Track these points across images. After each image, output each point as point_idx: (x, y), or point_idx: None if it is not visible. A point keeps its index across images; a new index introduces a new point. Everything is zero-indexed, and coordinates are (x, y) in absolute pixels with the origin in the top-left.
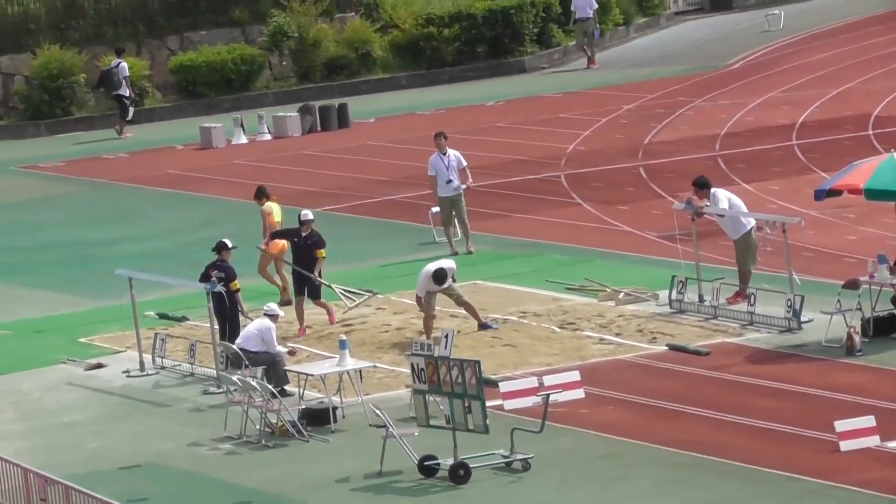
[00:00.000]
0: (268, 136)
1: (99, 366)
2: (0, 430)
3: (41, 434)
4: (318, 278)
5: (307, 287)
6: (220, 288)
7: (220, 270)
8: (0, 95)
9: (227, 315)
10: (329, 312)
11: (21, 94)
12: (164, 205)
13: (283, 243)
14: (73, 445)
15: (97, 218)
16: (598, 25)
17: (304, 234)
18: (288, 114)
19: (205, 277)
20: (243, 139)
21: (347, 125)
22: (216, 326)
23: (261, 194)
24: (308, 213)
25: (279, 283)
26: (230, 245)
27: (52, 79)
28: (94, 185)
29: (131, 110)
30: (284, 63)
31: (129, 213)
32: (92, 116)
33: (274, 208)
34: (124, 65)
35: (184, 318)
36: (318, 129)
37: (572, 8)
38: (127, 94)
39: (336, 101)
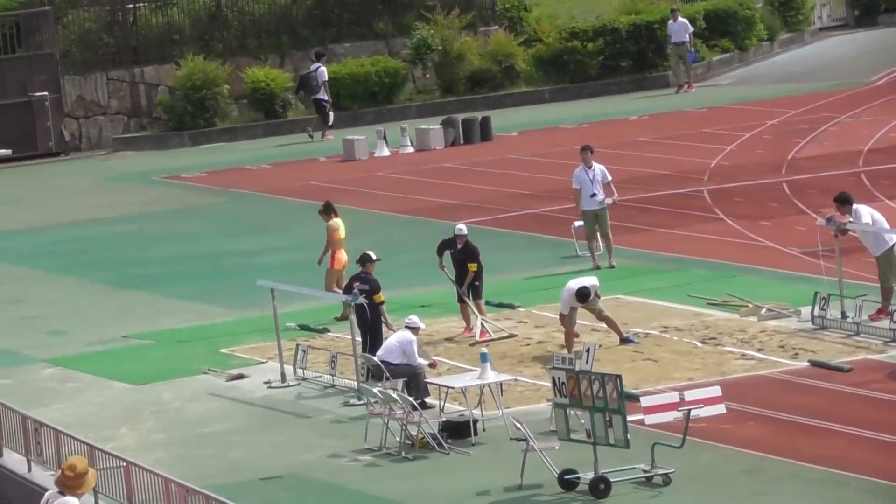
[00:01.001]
0: (410, 149)
1: (240, 376)
2: (141, 440)
3: (182, 444)
4: (462, 291)
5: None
6: (362, 300)
7: (363, 282)
8: (144, 106)
9: (369, 327)
10: (467, 325)
11: (165, 105)
12: (306, 216)
13: (345, 259)
14: (214, 456)
15: (239, 229)
16: (693, 49)
17: (458, 247)
18: (431, 126)
19: (347, 289)
20: (386, 151)
21: (490, 138)
22: (358, 338)
23: (329, 209)
24: (462, 228)
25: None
26: (374, 257)
27: (195, 90)
28: (236, 195)
29: (331, 115)
30: (428, 76)
31: (271, 224)
32: (234, 128)
33: (340, 225)
34: (323, 69)
35: (325, 330)
36: (461, 141)
37: (668, 32)
38: (326, 99)
39: (479, 115)
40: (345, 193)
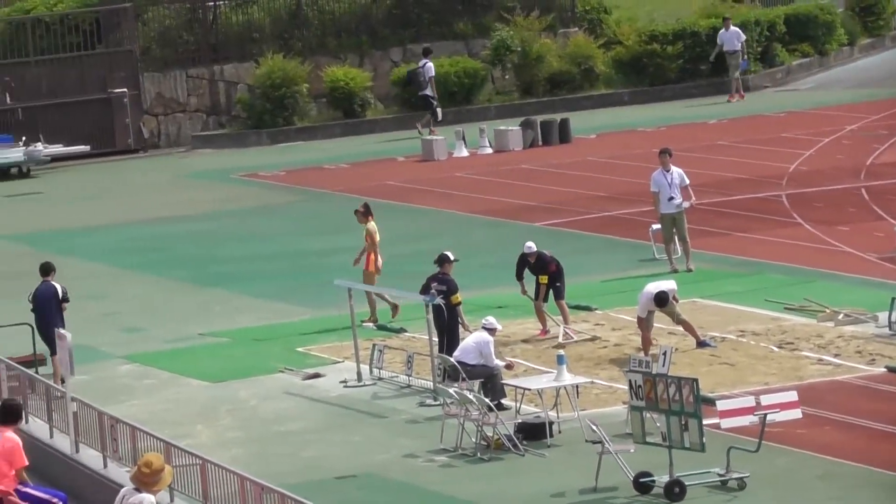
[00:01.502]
0: (489, 150)
1: (316, 375)
2: (217, 438)
3: (257, 442)
4: (538, 302)
5: (549, 291)
6: (439, 300)
7: (440, 283)
8: (223, 104)
9: (446, 327)
10: (543, 328)
11: (243, 103)
12: (383, 216)
13: (381, 263)
14: (289, 454)
15: (317, 228)
16: (745, 57)
17: (531, 262)
18: (509, 128)
19: (425, 289)
20: (465, 152)
21: (569, 140)
22: (434, 339)
23: (368, 211)
24: (531, 246)
25: (390, 300)
26: (452, 258)
27: (274, 88)
28: (314, 194)
29: (439, 111)
30: (507, 77)
31: (349, 223)
32: (313, 126)
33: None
34: (430, 65)
35: (402, 330)
36: (540, 143)
37: (719, 41)
38: (432, 95)
39: (558, 116)
40: (423, 194)
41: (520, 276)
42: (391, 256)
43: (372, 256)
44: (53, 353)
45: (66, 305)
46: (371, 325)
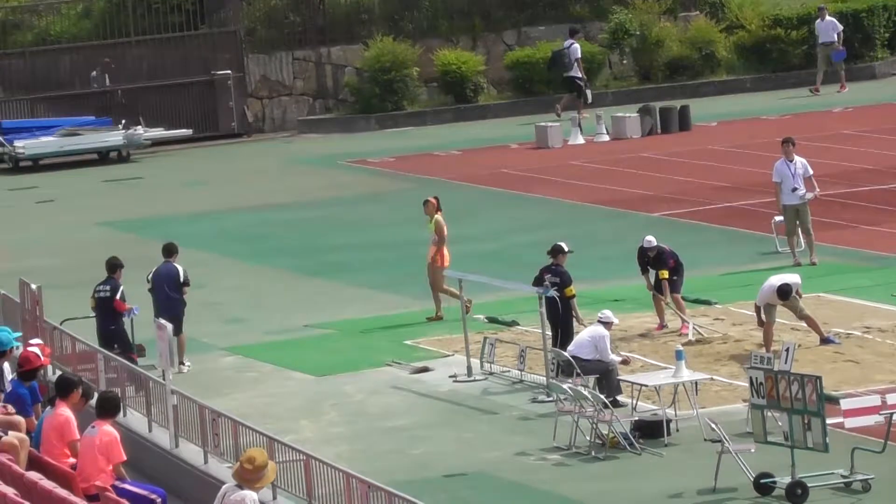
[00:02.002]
0: (606, 137)
1: (425, 369)
2: (322, 434)
3: (364, 438)
4: (665, 299)
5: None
6: (552, 292)
7: (554, 275)
8: (330, 87)
9: (560, 321)
10: (661, 322)
11: (351, 87)
12: (496, 205)
13: (448, 259)
14: (397, 451)
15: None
16: (842, 48)
17: (650, 257)
18: (627, 114)
19: (538, 281)
20: (580, 139)
21: (689, 128)
22: (548, 332)
23: (438, 205)
24: (651, 240)
25: (460, 295)
26: (567, 248)
27: (383, 71)
28: (424, 182)
29: (589, 93)
30: (625, 62)
31: (459, 212)
32: (423, 111)
33: None
34: (576, 46)
35: (514, 323)
36: (658, 131)
37: (816, 32)
38: (579, 76)
39: (677, 103)
40: (537, 182)
41: (644, 271)
42: (506, 246)
43: (445, 252)
44: (178, 331)
45: (186, 290)
46: (481, 317)
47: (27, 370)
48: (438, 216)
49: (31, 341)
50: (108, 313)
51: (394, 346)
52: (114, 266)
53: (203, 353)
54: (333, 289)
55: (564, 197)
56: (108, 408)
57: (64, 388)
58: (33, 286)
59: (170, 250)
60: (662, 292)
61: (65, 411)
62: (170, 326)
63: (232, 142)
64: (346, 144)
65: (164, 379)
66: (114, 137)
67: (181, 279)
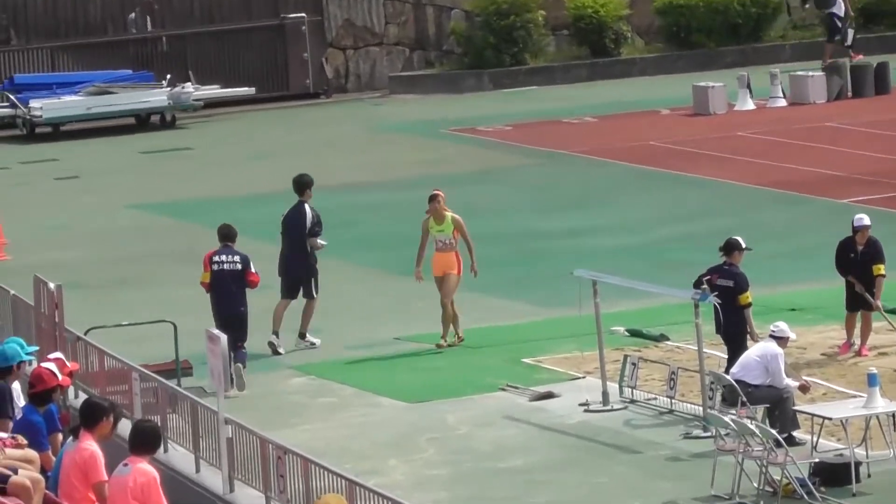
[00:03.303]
0: (782, 102)
1: (549, 395)
2: (416, 476)
3: (470, 482)
4: (875, 302)
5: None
6: (713, 299)
7: (726, 277)
8: (431, 35)
9: (725, 335)
10: (847, 340)
11: (459, 35)
12: (641, 187)
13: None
14: (512, 499)
15: (552, 201)
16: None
17: (860, 247)
18: (810, 73)
19: (698, 283)
20: (750, 104)
21: (887, 90)
22: (707, 350)
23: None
24: (862, 218)
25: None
26: (744, 245)
27: (500, 16)
28: (550, 157)
29: (850, 32)
30: (807, 6)
31: (595, 195)
32: (551, 67)
33: None
34: None
35: (663, 337)
36: (849, 94)
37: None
38: (841, 15)
39: (873, 60)
40: (694, 158)
41: (844, 269)
42: (653, 240)
43: (458, 257)
44: (310, 295)
45: (321, 243)
46: (621, 330)
47: (39, 391)
48: (452, 214)
49: (50, 356)
50: (237, 290)
51: (509, 365)
52: (303, 184)
53: (266, 373)
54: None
55: (727, 177)
56: (146, 441)
57: (90, 415)
58: (51, 285)
59: (302, 184)
60: (875, 295)
61: (90, 445)
62: (224, 338)
63: (306, 104)
64: (451, 107)
65: (216, 405)
66: (156, 97)
67: (309, 222)
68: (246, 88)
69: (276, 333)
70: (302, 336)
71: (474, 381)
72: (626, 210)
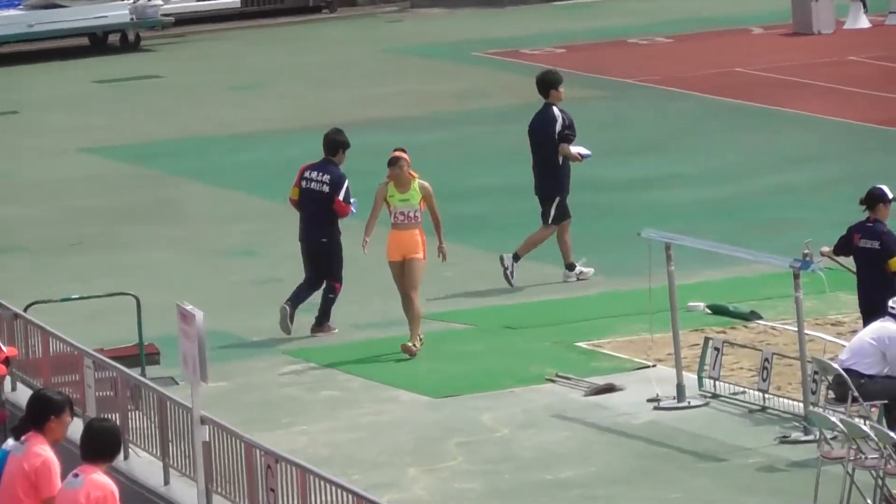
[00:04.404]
0: None
1: (609, 389)
2: (442, 489)
3: (509, 498)
4: None
5: None
6: (817, 268)
7: (869, 236)
8: None
9: (868, 313)
10: None
11: None
12: (727, 125)
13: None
14: None
15: (617, 144)
16: None
17: None
18: None
19: (843, 248)
20: (864, 21)
21: None
22: (809, 332)
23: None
24: None
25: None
26: (890, 196)
27: None
28: (612, 87)
29: None
30: None
31: (669, 137)
32: None
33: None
34: None
35: (754, 316)
36: None
37: None
38: None
39: None
40: (794, 89)
41: None
42: (741, 192)
43: (422, 236)
44: (545, 219)
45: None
46: (701, 305)
47: None
48: (419, 179)
49: None
50: (322, 216)
51: (560, 349)
52: (335, 143)
53: (251, 359)
54: (464, 256)
55: (834, 114)
56: (102, 446)
57: (41, 412)
58: None
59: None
60: None
61: (43, 450)
62: (200, 316)
63: (304, 20)
64: (486, 26)
65: (190, 400)
66: (115, 12)
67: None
68: (228, 0)
69: (570, 266)
70: (570, 267)
71: (516, 370)
72: (708, 155)
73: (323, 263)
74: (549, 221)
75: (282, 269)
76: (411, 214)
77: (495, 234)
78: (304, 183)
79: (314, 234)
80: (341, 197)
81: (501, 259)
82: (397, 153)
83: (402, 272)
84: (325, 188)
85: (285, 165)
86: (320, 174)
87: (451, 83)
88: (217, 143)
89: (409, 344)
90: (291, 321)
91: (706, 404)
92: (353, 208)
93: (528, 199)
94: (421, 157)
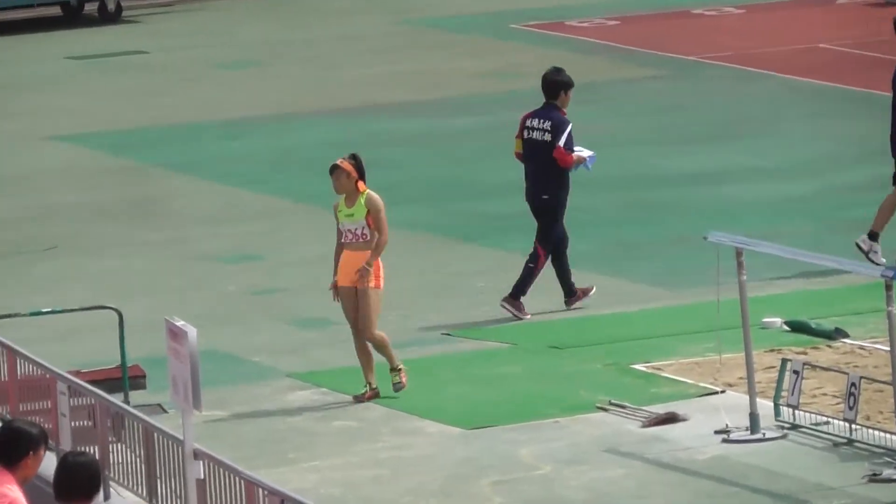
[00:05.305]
0: None
1: (671, 419)
2: None
3: None
4: None
5: None
6: None
7: None
8: None
9: None
10: None
11: None
12: (809, 110)
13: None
14: None
15: (678, 131)
16: None
17: None
18: None
19: None
20: None
21: None
22: None
23: (360, 167)
24: None
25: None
26: None
27: None
28: (674, 66)
29: None
30: None
31: (740, 123)
32: None
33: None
34: None
35: (839, 334)
36: None
37: None
38: None
39: None
40: (886, 68)
41: None
42: (828, 189)
43: (378, 261)
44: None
45: None
46: (778, 321)
47: None
48: (368, 192)
49: None
50: (544, 168)
51: (613, 373)
52: (556, 84)
53: (253, 383)
54: (498, 263)
55: None
56: (78, 484)
57: (12, 448)
58: None
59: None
60: None
61: (11, 491)
62: (193, 333)
63: None
64: None
65: (181, 431)
66: None
67: None
68: None
69: (872, 235)
70: (872, 236)
71: (561, 397)
72: (787, 145)
73: (540, 222)
74: None
75: (285, 277)
76: (358, 232)
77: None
78: (525, 132)
79: (537, 191)
80: (562, 143)
81: (858, 245)
82: (339, 161)
83: (354, 302)
84: (547, 136)
85: (285, 156)
86: (542, 121)
87: (483, 60)
88: (207, 130)
89: (366, 389)
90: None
91: (783, 436)
92: (589, 162)
93: (577, 196)
94: (442, 146)
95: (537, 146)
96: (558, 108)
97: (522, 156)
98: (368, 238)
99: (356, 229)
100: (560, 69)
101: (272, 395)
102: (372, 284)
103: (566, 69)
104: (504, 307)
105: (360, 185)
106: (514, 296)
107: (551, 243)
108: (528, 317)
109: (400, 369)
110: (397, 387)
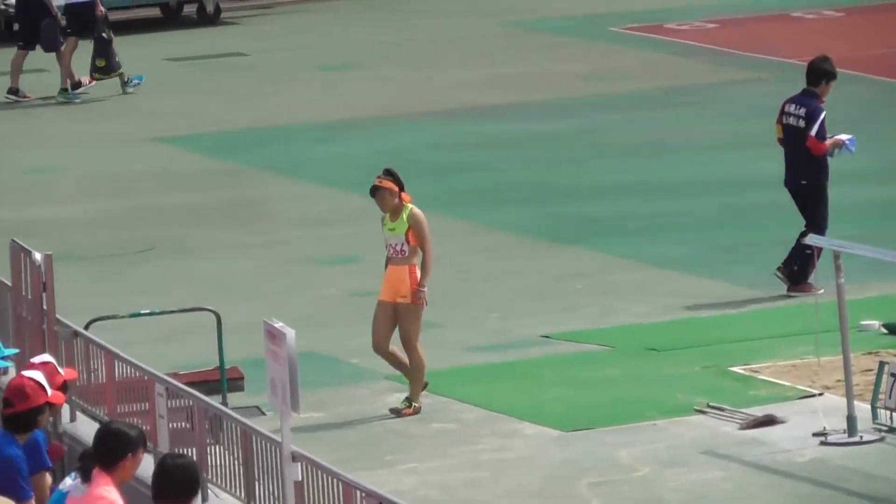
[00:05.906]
0: None
1: (769, 421)
2: None
3: None
4: None
5: None
6: None
7: None
8: None
9: None
10: None
11: None
12: None
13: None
14: None
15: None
16: None
17: None
18: None
19: None
20: None
21: None
22: None
23: (398, 182)
24: None
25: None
26: None
27: None
28: (774, 68)
29: None
30: None
31: (842, 126)
32: None
33: None
34: None
35: None
36: None
37: None
38: None
39: None
40: None
41: None
42: None
43: (412, 276)
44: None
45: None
46: (877, 324)
47: (19, 412)
48: (412, 207)
49: (35, 360)
50: (801, 155)
51: (711, 375)
52: (818, 72)
53: (352, 386)
54: (597, 268)
55: None
56: (176, 486)
57: (111, 449)
58: (37, 256)
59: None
60: None
61: (108, 492)
62: (291, 334)
63: None
64: None
65: (279, 434)
66: None
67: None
68: None
69: None
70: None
71: (659, 399)
72: (885, 147)
73: (807, 210)
74: None
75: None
76: (398, 247)
77: (630, 240)
78: (784, 118)
79: (792, 176)
80: (814, 132)
81: None
82: (378, 181)
83: (389, 318)
84: (801, 122)
85: (387, 159)
86: (797, 107)
87: (584, 63)
88: (307, 133)
89: (401, 406)
90: (787, 282)
91: (881, 439)
92: (850, 144)
93: (666, 200)
94: (543, 149)
95: (792, 132)
96: (817, 95)
97: (782, 141)
98: (407, 254)
99: (397, 244)
100: (827, 58)
101: (370, 397)
102: (408, 299)
103: (663, 73)
104: (791, 295)
105: (404, 196)
106: (796, 281)
107: (823, 227)
108: (821, 291)
109: (414, 405)
110: (396, 410)
